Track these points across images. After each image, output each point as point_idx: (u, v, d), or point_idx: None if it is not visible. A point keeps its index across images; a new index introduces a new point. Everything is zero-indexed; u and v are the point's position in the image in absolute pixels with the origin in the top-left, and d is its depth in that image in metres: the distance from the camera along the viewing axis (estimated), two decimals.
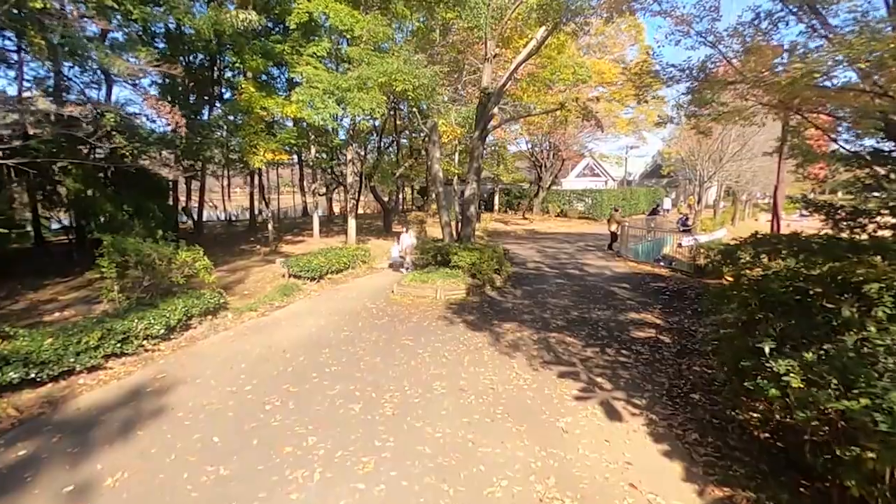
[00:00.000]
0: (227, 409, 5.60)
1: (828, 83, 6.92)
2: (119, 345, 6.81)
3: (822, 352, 3.69)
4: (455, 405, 5.67)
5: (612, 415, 5.43)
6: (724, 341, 4.67)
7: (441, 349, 7.53)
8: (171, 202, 18.12)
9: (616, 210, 19.09)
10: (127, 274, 7.99)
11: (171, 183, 15.89)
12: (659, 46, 15.16)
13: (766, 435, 4.84)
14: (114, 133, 10.41)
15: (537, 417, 5.39)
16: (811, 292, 4.18)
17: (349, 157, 16.66)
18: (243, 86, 14.75)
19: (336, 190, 25.22)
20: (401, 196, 38.31)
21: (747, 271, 6.67)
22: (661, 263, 16.36)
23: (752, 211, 38.43)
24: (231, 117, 14.94)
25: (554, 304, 10.23)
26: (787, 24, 7.43)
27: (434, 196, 13.84)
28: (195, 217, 20.10)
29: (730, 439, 4.85)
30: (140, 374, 6.62)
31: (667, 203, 36.76)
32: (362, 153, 19.77)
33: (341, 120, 16.10)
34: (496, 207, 35.00)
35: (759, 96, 8.10)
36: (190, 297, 8.35)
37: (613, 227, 17.94)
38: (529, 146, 34.10)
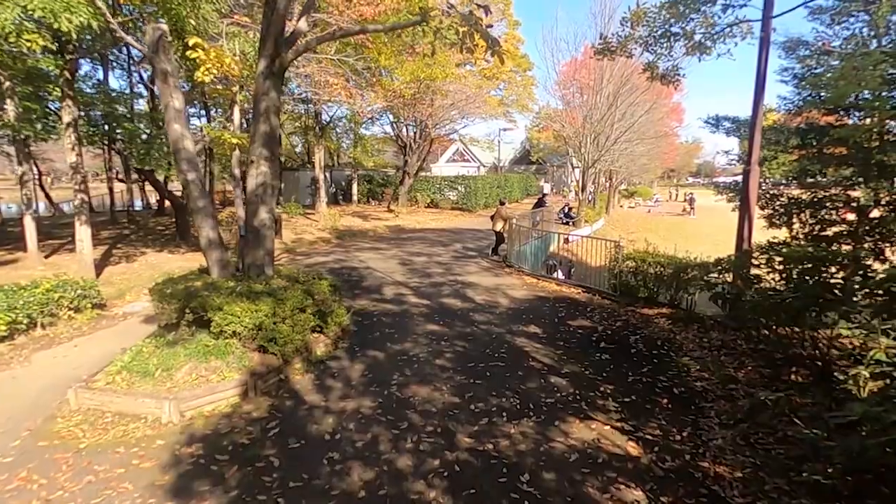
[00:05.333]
0: None
1: None
2: None
3: None
4: None
5: None
6: None
7: None
8: None
9: (503, 203, 14.64)
10: None
11: None
12: None
13: None
14: None
15: None
16: None
17: (65, 119, 9.42)
18: None
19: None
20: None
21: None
22: (560, 275, 12.24)
23: (618, 198, 38.40)
24: None
25: (424, 408, 5.04)
26: None
27: (183, 187, 7.64)
28: None
29: None
30: None
31: (546, 188, 34.49)
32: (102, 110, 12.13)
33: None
34: (355, 198, 28.90)
35: None
36: None
37: (500, 226, 13.49)
38: (392, 124, 28.53)
